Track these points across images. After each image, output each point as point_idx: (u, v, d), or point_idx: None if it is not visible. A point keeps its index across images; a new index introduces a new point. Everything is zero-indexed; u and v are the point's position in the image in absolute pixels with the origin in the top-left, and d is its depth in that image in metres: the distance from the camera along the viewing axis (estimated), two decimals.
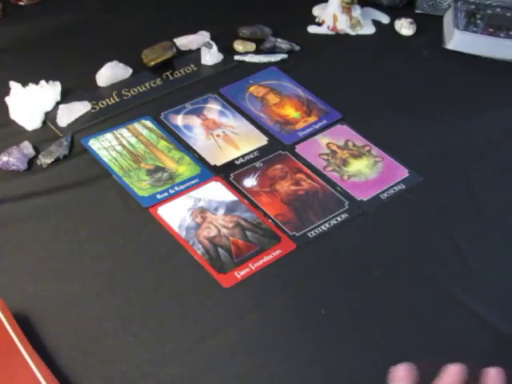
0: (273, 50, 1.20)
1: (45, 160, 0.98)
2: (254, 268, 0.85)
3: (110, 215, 0.92)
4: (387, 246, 0.89)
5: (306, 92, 1.13)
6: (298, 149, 1.02)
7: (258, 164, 0.99)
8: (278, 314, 0.81)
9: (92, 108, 1.07)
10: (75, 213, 0.92)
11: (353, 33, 1.26)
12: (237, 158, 1.00)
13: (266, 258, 0.86)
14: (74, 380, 0.73)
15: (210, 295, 0.82)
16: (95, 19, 1.27)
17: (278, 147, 1.03)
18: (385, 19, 1.30)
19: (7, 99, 1.05)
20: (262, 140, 1.04)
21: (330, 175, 0.98)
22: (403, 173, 0.99)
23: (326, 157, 1.01)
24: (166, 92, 1.12)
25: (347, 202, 0.94)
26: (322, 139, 1.04)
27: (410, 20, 1.27)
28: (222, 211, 0.92)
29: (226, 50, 1.19)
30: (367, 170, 0.99)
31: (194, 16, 1.28)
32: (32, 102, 1.04)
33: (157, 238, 0.89)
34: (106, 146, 1.01)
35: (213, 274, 0.84)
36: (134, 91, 1.11)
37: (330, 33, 1.26)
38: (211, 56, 1.17)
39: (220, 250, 0.87)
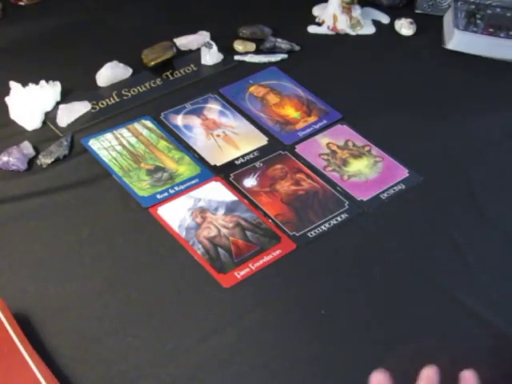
0: (273, 50, 1.20)
1: (45, 160, 0.98)
2: (253, 268, 0.85)
3: (109, 215, 0.92)
4: (387, 246, 0.89)
5: (306, 92, 1.13)
6: (298, 149, 1.02)
7: (257, 164, 0.99)
8: (278, 314, 0.81)
9: (92, 108, 1.07)
10: (75, 213, 0.92)
11: (353, 33, 1.26)
12: (237, 158, 1.00)
13: (266, 258, 0.86)
14: (74, 380, 0.73)
15: (210, 295, 0.82)
16: (95, 19, 1.27)
17: (278, 147, 1.03)
18: (385, 19, 1.30)
19: (7, 99, 1.05)
20: (262, 140, 1.04)
21: (329, 175, 0.98)
22: (403, 173, 0.99)
23: (325, 157, 1.01)
24: (166, 92, 1.12)
25: (347, 202, 0.94)
26: (322, 139, 1.04)
27: (410, 20, 1.27)
28: (221, 211, 0.92)
29: (226, 50, 1.19)
30: (367, 170, 0.99)
31: (194, 16, 1.28)
32: (32, 102, 1.04)
33: (157, 238, 0.89)
34: (105, 146, 1.01)
35: (213, 274, 0.84)
36: (133, 91, 1.11)
37: (330, 33, 1.26)
38: (211, 56, 1.17)
39: (220, 250, 0.87)
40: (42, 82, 1.07)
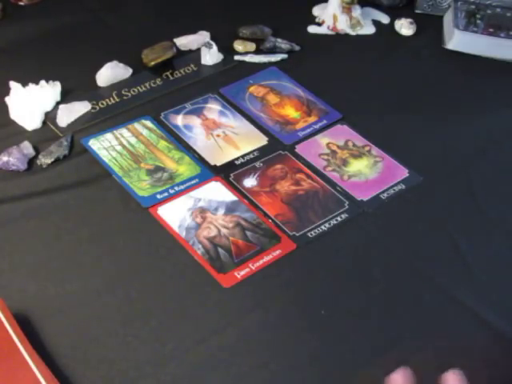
0: (273, 50, 1.20)
1: (45, 160, 0.98)
2: (253, 268, 0.85)
3: (110, 215, 0.92)
4: (387, 246, 0.89)
5: (306, 92, 1.13)
6: (298, 149, 1.02)
7: (257, 164, 0.99)
8: (278, 314, 0.81)
9: (92, 108, 1.07)
10: (75, 213, 0.92)
11: (353, 33, 1.26)
12: (237, 158, 1.00)
13: (266, 258, 0.86)
14: (74, 380, 0.73)
15: (210, 295, 0.82)
16: (95, 19, 1.27)
17: (278, 147, 1.03)
18: (385, 19, 1.30)
19: (7, 99, 1.05)
20: (262, 140, 1.04)
21: (329, 175, 0.98)
22: (403, 173, 0.99)
23: (325, 157, 1.01)
24: (166, 92, 1.12)
25: (347, 202, 0.94)
26: (322, 139, 1.04)
27: (410, 20, 1.27)
28: (222, 211, 0.92)
29: (226, 50, 1.19)
30: (367, 170, 0.99)
31: (194, 16, 1.28)
32: (32, 102, 1.04)
33: (157, 238, 0.89)
34: (106, 146, 1.01)
35: (213, 274, 0.84)
36: (133, 91, 1.11)
37: (330, 33, 1.26)
38: (211, 56, 1.17)
39: (220, 250, 0.87)
40: (42, 82, 1.07)
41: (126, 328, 0.78)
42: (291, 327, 0.80)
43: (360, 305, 0.82)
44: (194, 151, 1.01)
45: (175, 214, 0.91)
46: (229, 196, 0.94)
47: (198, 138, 1.04)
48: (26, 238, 0.88)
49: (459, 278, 0.86)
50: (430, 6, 1.31)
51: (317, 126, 1.06)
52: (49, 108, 1.06)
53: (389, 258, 0.87)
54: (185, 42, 1.20)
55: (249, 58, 1.18)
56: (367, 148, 1.03)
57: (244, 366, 0.75)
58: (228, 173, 0.98)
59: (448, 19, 1.26)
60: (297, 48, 1.21)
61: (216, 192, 0.95)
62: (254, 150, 1.02)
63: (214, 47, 1.16)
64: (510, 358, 0.76)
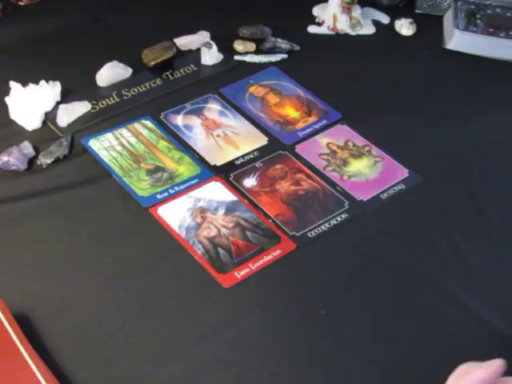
0: (273, 50, 1.20)
1: (45, 160, 0.98)
2: (254, 268, 0.85)
3: (110, 215, 0.92)
4: (387, 246, 0.89)
5: (306, 92, 1.13)
6: (298, 149, 1.02)
7: (257, 164, 0.99)
8: (278, 314, 0.81)
9: (92, 108, 1.07)
10: (75, 213, 0.92)
11: (353, 33, 1.26)
12: (237, 158, 1.00)
13: (266, 258, 0.86)
14: (74, 380, 0.73)
15: (210, 295, 0.82)
16: (95, 19, 1.27)
17: (278, 147, 1.03)
18: (385, 19, 1.30)
19: (7, 99, 1.05)
20: (262, 140, 1.04)
21: (329, 175, 0.98)
22: (403, 173, 0.99)
23: (325, 157, 1.01)
24: (166, 92, 1.12)
25: (347, 202, 0.94)
26: (322, 139, 1.04)
27: (410, 20, 1.27)
28: (222, 211, 0.92)
29: (226, 49, 1.19)
30: (367, 170, 0.99)
31: (194, 16, 1.28)
32: (32, 102, 1.04)
33: (157, 238, 0.89)
34: (105, 146, 1.01)
35: (213, 274, 0.84)
36: (134, 91, 1.11)
37: (330, 33, 1.26)
38: (211, 56, 1.17)
39: (220, 249, 0.87)
40: (42, 82, 1.07)
41: (126, 328, 0.78)
42: (291, 327, 0.80)
43: (360, 305, 0.82)
44: (194, 151, 1.01)
45: (175, 214, 0.91)
46: (229, 196, 0.94)
47: (198, 138, 1.03)
48: (26, 238, 0.88)
49: (459, 277, 0.85)
50: (429, 6, 1.31)
51: (317, 126, 1.06)
52: (49, 108, 1.06)
53: (389, 258, 0.87)
54: (185, 42, 1.20)
55: (249, 58, 1.18)
56: (367, 148, 1.03)
57: (244, 366, 0.75)
58: (228, 173, 0.98)
59: (448, 19, 1.26)
60: (297, 48, 1.21)
61: (216, 192, 0.95)
62: (254, 150, 1.02)
63: (214, 47, 1.16)
64: (510, 358, 0.76)
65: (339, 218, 0.92)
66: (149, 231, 0.89)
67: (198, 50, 1.18)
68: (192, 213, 0.92)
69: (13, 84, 1.05)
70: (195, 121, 1.06)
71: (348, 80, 1.16)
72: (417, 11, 1.32)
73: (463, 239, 0.90)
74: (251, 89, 1.13)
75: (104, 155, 0.99)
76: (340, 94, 1.12)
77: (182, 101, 1.09)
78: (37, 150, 1.00)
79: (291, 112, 1.09)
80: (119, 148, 1.01)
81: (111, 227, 0.90)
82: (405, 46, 1.25)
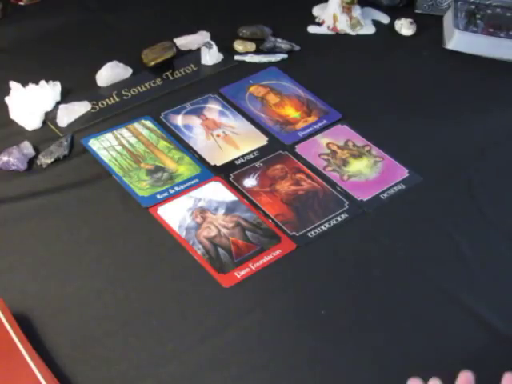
0: (273, 50, 1.20)
1: (45, 160, 0.98)
2: (254, 268, 0.85)
3: (110, 215, 0.92)
4: (387, 246, 0.89)
5: (305, 92, 1.13)
6: (298, 149, 1.02)
7: (258, 164, 0.99)
8: (278, 314, 0.81)
9: (92, 108, 1.07)
10: (75, 213, 0.92)
11: (353, 33, 1.26)
12: (237, 158, 1.00)
13: (266, 258, 0.86)
14: (74, 380, 0.73)
15: (210, 295, 0.82)
16: (95, 19, 1.27)
17: (278, 147, 1.03)
18: (385, 19, 1.30)
19: (7, 99, 1.05)
20: (262, 140, 1.04)
21: (329, 175, 0.98)
22: (403, 173, 0.99)
23: (325, 157, 1.01)
24: (166, 92, 1.12)
25: (347, 202, 0.94)
26: (322, 139, 1.04)
27: (410, 20, 1.27)
28: (222, 211, 0.92)
29: (226, 49, 1.19)
30: (367, 170, 0.99)
31: (194, 16, 1.28)
32: (32, 102, 1.04)
33: (157, 238, 0.89)
34: (105, 146, 1.01)
35: (213, 274, 0.84)
36: (134, 91, 1.11)
37: (330, 33, 1.26)
38: (211, 56, 1.17)
39: (220, 249, 0.87)
40: (42, 82, 1.07)
41: (126, 328, 0.78)
42: (291, 327, 0.80)
43: (360, 304, 0.82)
44: (194, 151, 1.01)
45: (175, 214, 0.91)
46: (229, 196, 0.94)
47: (198, 138, 1.03)
48: (26, 238, 0.88)
49: (459, 278, 0.86)
50: (429, 6, 1.31)
51: (317, 126, 1.06)
52: (49, 108, 1.06)
53: (389, 258, 0.88)
54: (185, 42, 1.20)
55: (249, 58, 1.18)
56: (367, 148, 1.03)
57: (244, 366, 0.75)
58: (228, 173, 0.98)
59: (448, 19, 1.26)
60: (297, 48, 1.21)
61: (216, 192, 0.95)
62: (254, 150, 1.02)
63: (214, 47, 1.16)
64: (510, 358, 0.76)
65: (339, 218, 0.92)
66: (149, 231, 0.90)
67: (198, 50, 1.18)
68: (192, 213, 0.92)
69: (13, 84, 1.05)
70: (195, 121, 1.06)
71: (348, 80, 1.16)
72: (417, 11, 1.32)
73: (463, 239, 0.90)
74: (251, 89, 1.13)
75: (104, 155, 0.99)
76: (340, 94, 1.12)
77: (182, 101, 1.09)
78: (37, 150, 1.00)
79: (291, 112, 1.09)
80: (119, 148, 1.01)
81: (111, 227, 0.90)
82: (405, 46, 1.25)
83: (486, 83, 1.17)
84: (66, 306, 0.80)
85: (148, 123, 1.05)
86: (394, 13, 1.30)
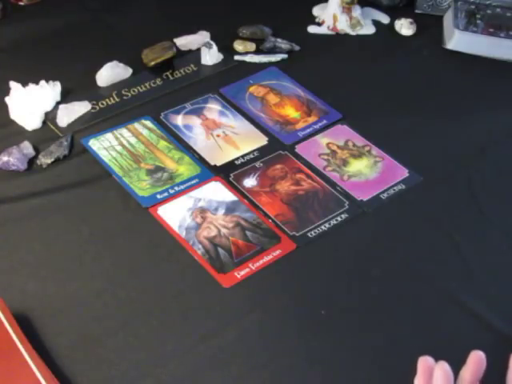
0: (273, 50, 1.20)
1: (45, 160, 0.98)
2: (254, 268, 0.85)
3: (110, 215, 0.92)
4: (387, 246, 0.89)
5: (305, 92, 1.13)
6: (298, 149, 1.02)
7: (258, 164, 0.99)
8: (278, 314, 0.81)
9: (92, 108, 1.07)
10: (75, 213, 0.92)
11: (353, 33, 1.26)
12: (237, 158, 1.00)
13: (266, 258, 0.86)
14: (74, 380, 0.73)
15: (210, 295, 0.82)
16: (95, 19, 1.27)
17: (278, 147, 1.03)
18: (385, 19, 1.30)
19: (7, 99, 1.05)
20: (262, 140, 1.04)
21: (330, 175, 0.98)
22: (403, 173, 0.99)
23: (325, 157, 1.01)
24: (166, 92, 1.12)
25: (347, 202, 0.94)
26: (322, 139, 1.04)
27: (410, 20, 1.27)
28: (222, 211, 0.92)
29: (226, 49, 1.19)
30: (367, 170, 0.99)
31: (194, 16, 1.28)
32: (32, 102, 1.04)
33: (157, 238, 0.89)
34: (105, 146, 1.01)
35: (213, 274, 0.84)
36: (134, 91, 1.11)
37: (329, 33, 1.26)
38: (211, 56, 1.17)
39: (220, 249, 0.87)
40: (42, 82, 1.07)
41: (126, 328, 0.78)
42: (291, 327, 0.80)
43: (360, 305, 0.82)
44: (194, 151, 1.01)
45: (175, 214, 0.91)
46: (229, 196, 0.94)
47: (198, 138, 1.03)
48: (26, 238, 0.88)
49: (459, 277, 0.86)
50: (429, 6, 1.31)
51: (317, 126, 1.06)
52: (49, 108, 1.06)
53: (389, 258, 0.88)
54: (185, 42, 1.20)
55: (249, 58, 1.18)
56: (367, 148, 1.03)
57: (244, 366, 0.75)
58: (228, 173, 0.98)
59: (448, 19, 1.26)
60: (297, 48, 1.21)
61: (216, 192, 0.95)
62: (254, 150, 1.02)
63: (214, 47, 1.16)
64: (510, 358, 0.76)
65: (339, 218, 0.92)
66: (149, 231, 0.90)
67: (198, 50, 1.18)
68: (192, 213, 0.92)
69: (13, 84, 1.05)
70: (195, 121, 1.06)
71: (348, 80, 1.16)
72: (417, 11, 1.32)
73: (463, 239, 0.90)
74: (251, 89, 1.13)
75: (104, 155, 0.99)
76: (340, 93, 1.12)
77: (182, 101, 1.09)
78: (37, 150, 1.00)
79: (291, 112, 1.09)
80: (119, 148, 1.01)
81: (111, 227, 0.90)
82: (405, 46, 1.25)
83: (486, 83, 1.17)
84: (65, 306, 0.80)
85: (148, 123, 1.05)
86: (394, 13, 1.30)
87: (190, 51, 1.20)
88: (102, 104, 1.09)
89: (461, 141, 1.05)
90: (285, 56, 1.19)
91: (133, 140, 1.02)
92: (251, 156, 1.01)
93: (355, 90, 1.14)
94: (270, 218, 0.91)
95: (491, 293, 0.84)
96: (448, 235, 0.90)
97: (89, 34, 1.24)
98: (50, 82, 1.08)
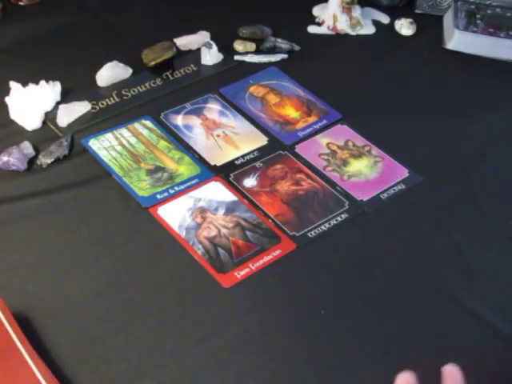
0: (273, 50, 1.20)
1: (45, 160, 0.98)
2: (254, 268, 0.85)
3: (109, 215, 0.92)
4: (387, 246, 0.89)
5: (305, 92, 1.13)
6: (298, 149, 1.02)
7: (258, 164, 0.99)
8: (277, 314, 0.81)
9: (92, 108, 1.07)
10: (75, 213, 0.92)
11: (353, 33, 1.26)
12: (237, 158, 1.00)
13: (266, 258, 0.86)
14: (74, 380, 0.73)
15: (210, 295, 0.82)
16: (95, 19, 1.27)
17: (278, 147, 1.03)
18: (385, 19, 1.30)
19: (7, 99, 1.05)
20: (262, 140, 1.04)
21: (330, 175, 0.98)
22: (403, 173, 0.99)
23: (325, 157, 1.01)
24: (166, 92, 1.12)
25: (347, 202, 0.94)
26: (322, 139, 1.04)
27: (410, 20, 1.27)
28: (222, 211, 0.92)
29: (226, 49, 1.19)
30: (367, 170, 0.99)
31: (194, 16, 1.28)
32: (32, 102, 1.04)
33: (157, 238, 0.89)
34: (105, 146, 1.01)
35: (213, 274, 0.84)
36: (134, 91, 1.11)
37: (329, 33, 1.26)
38: (211, 56, 1.17)
39: (220, 250, 0.87)
40: (42, 82, 1.07)
41: (126, 328, 0.78)
42: (291, 327, 0.80)
43: (360, 305, 0.82)
44: (194, 151, 1.01)
45: (175, 214, 0.91)
46: (229, 196, 0.94)
47: (198, 138, 1.04)
48: (26, 238, 0.88)
49: (459, 278, 0.85)
50: (429, 6, 1.31)
51: (317, 126, 1.06)
52: (49, 108, 1.06)
53: (389, 258, 0.88)
54: (185, 42, 1.20)
55: (249, 58, 1.18)
56: (367, 148, 1.03)
57: (244, 366, 0.75)
58: (228, 173, 0.98)
59: (448, 19, 1.26)
60: (297, 48, 1.21)
61: (216, 192, 0.95)
62: (254, 150, 1.02)
63: (214, 47, 1.16)
64: (510, 358, 0.76)
65: (339, 218, 0.92)
66: (149, 231, 0.90)
67: (198, 50, 1.18)
68: (192, 213, 0.92)
69: (13, 84, 1.05)
70: (195, 121, 1.06)
71: (348, 80, 1.16)
72: (417, 11, 1.32)
73: (463, 239, 0.90)
74: (251, 89, 1.13)
75: (104, 155, 0.99)
76: (340, 93, 1.12)
77: (182, 101, 1.09)
78: (37, 150, 1.00)
79: (291, 112, 1.09)
80: (119, 148, 1.01)
81: (111, 227, 0.90)
82: (405, 46, 1.25)
83: (486, 83, 1.16)
84: (65, 306, 0.80)
85: (148, 123, 1.05)
86: (394, 13, 1.30)
87: (189, 51, 1.20)
88: (102, 104, 1.09)
89: (461, 141, 1.05)
90: (285, 56, 1.19)
91: (133, 140, 1.02)
92: (251, 156, 1.01)
93: (355, 89, 1.14)
94: (270, 218, 0.91)
95: (491, 293, 0.84)
96: (448, 235, 0.90)
97: (89, 34, 1.24)
98: (50, 82, 1.08)
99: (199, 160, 1.00)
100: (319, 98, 1.11)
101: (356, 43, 1.25)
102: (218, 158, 1.00)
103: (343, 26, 1.26)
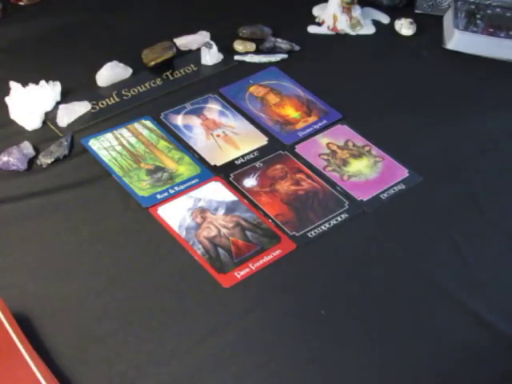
0: (273, 50, 1.20)
1: (45, 160, 0.98)
2: (254, 268, 0.85)
3: (110, 215, 0.92)
4: (387, 246, 0.89)
5: (305, 92, 1.13)
6: (298, 149, 1.02)
7: (258, 164, 0.99)
8: (277, 314, 0.81)
9: (92, 108, 1.07)
10: (75, 213, 0.92)
11: (353, 33, 1.26)
12: (237, 158, 1.00)
13: (266, 258, 0.86)
14: (74, 380, 0.73)
15: (210, 295, 0.82)
16: (95, 19, 1.27)
17: (278, 147, 1.03)
18: (385, 19, 1.30)
19: (7, 99, 1.05)
20: (262, 140, 1.04)
21: (330, 175, 0.98)
22: (403, 173, 0.99)
23: (325, 157, 1.01)
24: (166, 92, 1.12)
25: (347, 202, 0.94)
26: (322, 139, 1.04)
27: (410, 20, 1.27)
28: (222, 211, 0.92)
29: (226, 49, 1.19)
30: (367, 170, 0.99)
31: (194, 16, 1.28)
32: (32, 102, 1.04)
33: (157, 238, 0.89)
34: (105, 146, 1.01)
35: (213, 274, 0.84)
36: (134, 91, 1.11)
37: (330, 33, 1.26)
38: (211, 56, 1.17)
39: (220, 250, 0.87)
40: (42, 82, 1.07)
41: (126, 328, 0.78)
42: (291, 327, 0.80)
43: (360, 304, 0.82)
44: (194, 151, 1.01)
45: (175, 214, 0.91)
46: (229, 196, 0.94)
47: (198, 138, 1.04)
48: (26, 238, 0.88)
49: (459, 278, 0.86)
50: (429, 6, 1.31)
51: (317, 126, 1.06)
52: (49, 108, 1.06)
53: (389, 258, 0.88)
54: (185, 42, 1.20)
55: (249, 58, 1.18)
56: (367, 148, 1.03)
57: (244, 366, 0.75)
58: (228, 173, 0.98)
59: (448, 19, 1.26)
60: (297, 48, 1.21)
61: (216, 192, 0.95)
62: (254, 150, 1.02)
63: (214, 47, 1.16)
64: (510, 358, 0.76)
65: (339, 218, 0.92)
66: (149, 231, 0.90)
67: (198, 50, 1.18)
68: (192, 213, 0.92)
69: (13, 84, 1.05)
70: (195, 121, 1.06)
71: (348, 80, 1.16)
72: (417, 11, 1.32)
73: (463, 239, 0.90)
74: (251, 89, 1.13)
75: (104, 155, 0.99)
76: (340, 93, 1.12)
77: (182, 101, 1.09)
78: (37, 150, 1.00)
79: (291, 112, 1.09)
80: (119, 148, 1.01)
81: (111, 227, 0.90)
82: (405, 46, 1.25)
83: (486, 83, 1.17)
84: (65, 306, 0.80)
85: (148, 123, 1.05)
86: (394, 13, 1.30)
87: (189, 51, 1.20)
88: (102, 104, 1.09)
89: (461, 141, 1.05)
90: (285, 56, 1.19)
91: (133, 140, 1.02)
92: (251, 156, 1.01)
93: (355, 89, 1.14)
94: (269, 218, 0.91)
95: (491, 292, 0.84)
96: (448, 235, 0.90)
97: (89, 34, 1.24)
98: (50, 82, 1.08)
99: (199, 160, 1.00)
100: (319, 98, 1.11)
101: (356, 43, 1.25)
102: (218, 158, 1.00)
103: (343, 25, 1.26)
